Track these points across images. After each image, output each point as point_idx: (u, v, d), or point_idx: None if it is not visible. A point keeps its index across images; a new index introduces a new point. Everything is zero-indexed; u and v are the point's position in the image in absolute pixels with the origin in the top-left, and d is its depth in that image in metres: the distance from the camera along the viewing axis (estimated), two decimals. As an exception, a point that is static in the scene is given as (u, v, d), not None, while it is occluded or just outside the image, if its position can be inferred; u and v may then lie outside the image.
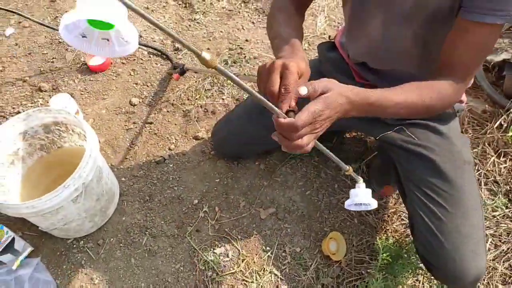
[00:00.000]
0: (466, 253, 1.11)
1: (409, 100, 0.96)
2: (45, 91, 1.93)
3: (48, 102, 1.86)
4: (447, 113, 1.23)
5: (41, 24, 2.07)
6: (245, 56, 2.06)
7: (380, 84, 1.27)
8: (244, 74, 1.99)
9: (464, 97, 1.29)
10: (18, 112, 1.85)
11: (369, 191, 1.00)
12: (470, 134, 1.73)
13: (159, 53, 2.06)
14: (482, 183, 1.62)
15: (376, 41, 1.16)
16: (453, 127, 1.25)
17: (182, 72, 1.87)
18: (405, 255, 1.37)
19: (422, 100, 0.97)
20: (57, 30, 2.07)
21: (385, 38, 1.12)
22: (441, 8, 0.98)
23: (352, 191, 1.01)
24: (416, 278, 1.42)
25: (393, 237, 1.49)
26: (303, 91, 0.81)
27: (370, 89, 0.92)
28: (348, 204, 1.03)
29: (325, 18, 2.29)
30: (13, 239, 1.41)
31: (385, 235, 1.50)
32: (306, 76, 0.91)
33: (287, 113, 0.81)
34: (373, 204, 1.00)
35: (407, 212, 1.37)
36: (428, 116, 1.10)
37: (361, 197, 1.00)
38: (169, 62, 2.03)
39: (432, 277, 1.38)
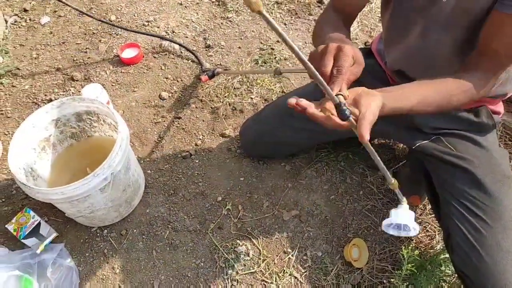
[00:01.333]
0: (506, 269, 1.08)
1: (440, 103, 0.96)
2: (77, 81, 1.96)
3: (79, 91, 1.89)
4: (485, 124, 1.21)
5: (81, 12, 2.10)
6: (276, 57, 2.06)
7: None
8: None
9: (501, 108, 1.26)
10: (50, 100, 1.88)
11: (413, 213, 0.94)
12: (503, 148, 1.69)
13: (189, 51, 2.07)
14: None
15: (415, 48, 1.14)
16: (492, 139, 1.23)
17: (212, 76, 1.85)
18: (429, 267, 1.35)
19: (450, 99, 0.96)
20: (94, 18, 2.10)
21: (425, 45, 1.11)
22: (482, 10, 0.96)
23: (393, 211, 0.95)
24: (439, 291, 1.39)
25: (417, 248, 1.47)
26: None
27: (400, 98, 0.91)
28: (386, 225, 0.97)
29: (358, 23, 2.27)
30: (39, 223, 1.44)
31: (410, 245, 1.47)
32: (359, 62, 0.86)
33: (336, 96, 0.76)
34: (416, 228, 0.94)
35: (438, 223, 1.34)
36: (455, 109, 1.07)
37: (404, 218, 0.93)
38: (203, 61, 2.03)
39: (456, 292, 1.36)
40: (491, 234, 1.10)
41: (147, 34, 2.11)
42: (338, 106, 0.74)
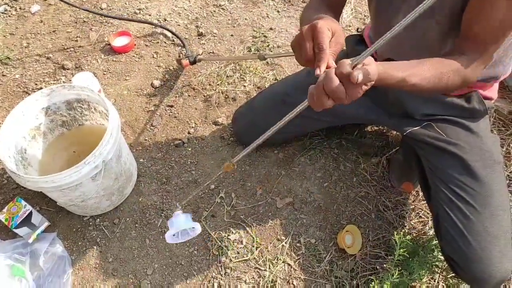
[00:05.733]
0: (493, 254, 1.09)
1: (431, 79, 0.93)
2: (67, 69, 1.94)
3: (70, 80, 1.87)
4: (477, 109, 1.20)
5: (66, 2, 2.07)
6: (269, 45, 2.04)
7: None
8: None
9: (495, 94, 1.26)
10: (41, 88, 1.85)
11: (189, 215, 1.04)
12: (495, 134, 1.69)
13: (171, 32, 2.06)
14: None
15: (402, 36, 1.13)
16: (484, 125, 1.23)
17: (194, 62, 1.83)
18: (422, 253, 1.35)
19: (441, 77, 0.95)
20: (81, 8, 2.07)
21: (411, 33, 1.09)
22: None
23: (169, 222, 1.04)
24: (431, 276, 1.39)
25: (410, 234, 1.47)
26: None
27: (394, 66, 0.88)
28: (169, 237, 1.05)
29: (352, 10, 2.25)
30: (31, 213, 1.42)
31: (402, 231, 1.47)
32: (339, 34, 0.86)
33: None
34: (196, 227, 1.05)
35: (429, 210, 1.35)
36: (446, 92, 1.06)
37: (180, 224, 1.02)
38: (188, 47, 2.02)
39: (448, 277, 1.37)
40: (479, 220, 1.11)
41: (134, 21, 2.09)
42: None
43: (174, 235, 1.08)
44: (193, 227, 1.04)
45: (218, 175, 1.23)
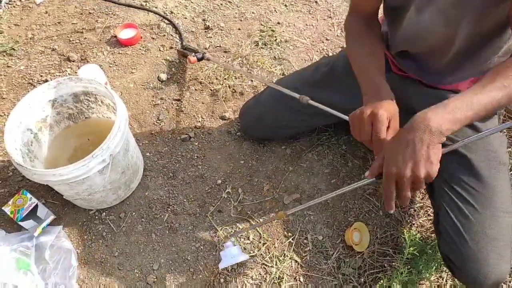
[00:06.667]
0: (490, 256, 1.08)
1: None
2: (73, 61, 1.92)
3: (76, 72, 1.85)
4: None
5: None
6: (276, 39, 2.02)
7: (419, 74, 1.23)
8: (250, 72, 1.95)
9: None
10: (46, 81, 1.84)
11: (238, 247, 1.20)
12: (504, 133, 1.68)
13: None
14: None
15: (413, 27, 1.11)
16: (491, 125, 1.21)
17: (201, 59, 1.79)
18: (430, 251, 1.34)
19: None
20: None
21: (421, 25, 1.07)
22: None
23: (222, 254, 1.22)
24: (439, 275, 1.38)
25: (419, 232, 1.46)
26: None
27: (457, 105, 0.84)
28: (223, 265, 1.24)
29: None
30: (36, 206, 1.42)
31: (411, 229, 1.46)
32: (395, 119, 0.95)
33: None
34: (246, 257, 1.21)
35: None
36: None
37: (236, 257, 1.18)
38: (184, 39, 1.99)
39: (457, 276, 1.36)
40: (478, 220, 1.10)
41: (141, 8, 2.07)
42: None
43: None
44: (245, 258, 1.21)
45: (268, 221, 1.44)
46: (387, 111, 0.92)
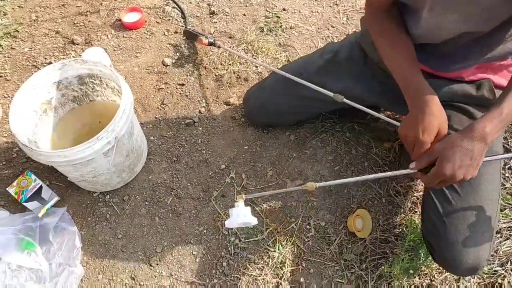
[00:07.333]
0: (467, 242, 1.09)
1: None
2: (77, 44, 1.92)
3: (80, 55, 1.85)
4: (486, 98, 1.17)
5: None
6: (281, 25, 2.01)
7: (429, 62, 1.21)
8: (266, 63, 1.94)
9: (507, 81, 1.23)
10: (50, 63, 1.83)
11: (249, 208, 1.10)
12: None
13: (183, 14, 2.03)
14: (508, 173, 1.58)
15: (426, 23, 1.10)
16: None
17: (211, 44, 1.78)
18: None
19: None
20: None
21: (434, 21, 1.06)
22: None
23: (232, 211, 1.10)
24: (441, 262, 1.39)
25: (420, 220, 1.46)
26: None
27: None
28: (229, 223, 1.11)
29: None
30: (41, 187, 1.42)
31: (413, 217, 1.47)
32: (444, 122, 1.03)
33: None
34: (254, 221, 1.10)
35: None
36: None
37: (243, 217, 1.08)
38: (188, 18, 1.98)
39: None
40: (460, 206, 1.12)
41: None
42: None
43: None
44: (252, 221, 1.11)
45: (294, 189, 1.33)
46: (437, 119, 1.00)
